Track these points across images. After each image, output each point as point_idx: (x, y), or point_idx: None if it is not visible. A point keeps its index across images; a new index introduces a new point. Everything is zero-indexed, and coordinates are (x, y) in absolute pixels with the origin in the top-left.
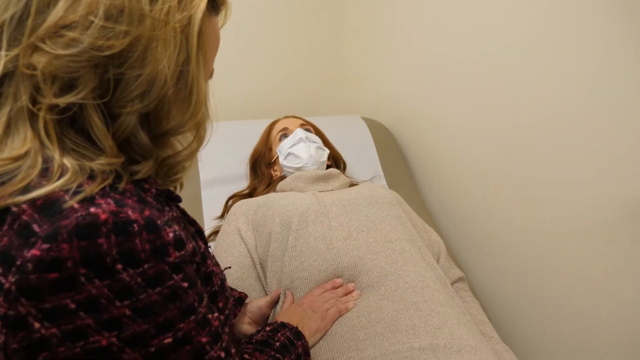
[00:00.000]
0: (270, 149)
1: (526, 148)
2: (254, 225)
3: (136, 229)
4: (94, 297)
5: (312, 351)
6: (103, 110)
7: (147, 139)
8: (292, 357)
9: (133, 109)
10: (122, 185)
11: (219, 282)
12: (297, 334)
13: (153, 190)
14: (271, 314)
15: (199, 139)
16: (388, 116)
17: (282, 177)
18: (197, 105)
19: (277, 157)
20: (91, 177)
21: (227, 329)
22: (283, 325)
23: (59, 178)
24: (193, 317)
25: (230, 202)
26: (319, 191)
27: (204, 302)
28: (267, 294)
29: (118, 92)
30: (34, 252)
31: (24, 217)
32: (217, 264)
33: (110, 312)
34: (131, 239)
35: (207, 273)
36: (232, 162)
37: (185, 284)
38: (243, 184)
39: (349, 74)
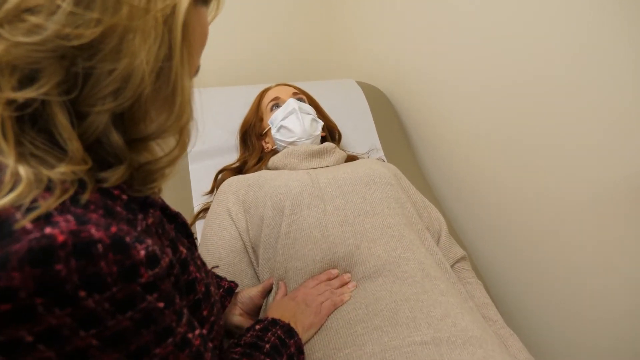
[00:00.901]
0: (262, 120)
1: (531, 112)
2: (245, 206)
3: (101, 249)
4: (55, 328)
5: (306, 347)
6: (69, 108)
7: (122, 141)
8: (283, 359)
9: (104, 108)
10: (85, 197)
11: (203, 289)
12: (289, 331)
13: (124, 197)
14: (263, 304)
15: (182, 144)
16: (384, 80)
17: (274, 151)
18: (180, 107)
19: (269, 128)
20: (48, 188)
21: (210, 345)
22: (274, 322)
23: (11, 191)
24: (171, 340)
25: (219, 176)
26: (313, 168)
27: (184, 320)
28: (259, 280)
29: (87, 88)
30: None
31: None
32: (201, 266)
33: (74, 344)
34: (95, 261)
35: (189, 281)
36: (221, 133)
37: (161, 304)
38: (233, 156)
39: (341, 34)
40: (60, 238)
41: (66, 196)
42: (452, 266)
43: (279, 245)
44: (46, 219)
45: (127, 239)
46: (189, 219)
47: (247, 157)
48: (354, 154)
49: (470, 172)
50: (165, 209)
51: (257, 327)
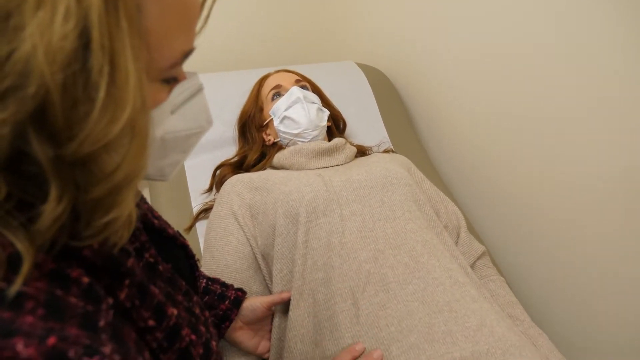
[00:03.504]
0: (262, 110)
1: (548, 93)
2: (252, 211)
3: None
4: None
5: None
6: None
7: (47, 155)
8: None
9: (4, 116)
10: (18, 282)
11: (200, 351)
12: None
13: (84, 279)
14: (276, 319)
15: (137, 148)
16: (386, 61)
17: (277, 144)
18: (118, 105)
19: (270, 120)
20: None
21: None
22: None
23: None
24: None
25: (218, 172)
26: (323, 167)
27: None
28: (269, 287)
29: None
30: None
31: None
32: (200, 315)
33: None
34: None
35: (183, 349)
36: (216, 124)
37: None
38: (231, 150)
39: (338, 13)
40: None
41: None
42: (473, 263)
43: (296, 256)
44: None
45: (71, 353)
46: (188, 220)
47: (247, 151)
48: (363, 145)
49: (479, 158)
50: (161, 231)
51: None
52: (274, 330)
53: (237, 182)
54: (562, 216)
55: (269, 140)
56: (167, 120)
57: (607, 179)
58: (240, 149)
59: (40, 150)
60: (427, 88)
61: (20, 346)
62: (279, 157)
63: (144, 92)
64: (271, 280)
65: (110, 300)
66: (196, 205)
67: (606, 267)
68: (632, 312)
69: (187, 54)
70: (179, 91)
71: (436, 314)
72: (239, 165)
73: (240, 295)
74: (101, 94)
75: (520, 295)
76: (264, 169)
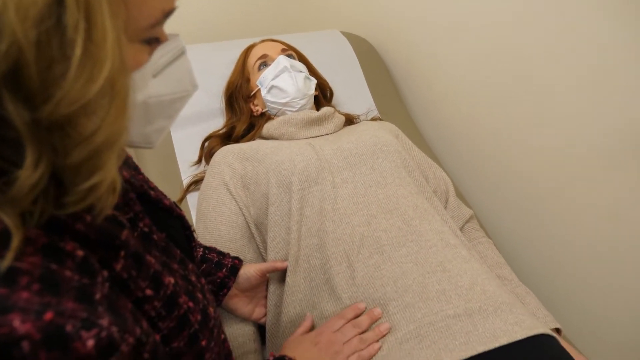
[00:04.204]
0: (248, 81)
1: (531, 58)
2: (244, 181)
3: (27, 349)
4: None
5: None
6: None
7: (23, 117)
8: None
9: None
10: (9, 257)
11: (199, 317)
12: None
13: (79, 253)
14: (271, 286)
15: (118, 108)
16: (370, 29)
17: (265, 115)
18: (96, 64)
19: (258, 90)
20: None
21: None
22: None
23: None
24: None
25: (206, 144)
26: (313, 136)
27: None
28: (263, 255)
29: None
30: None
31: None
32: (197, 283)
33: None
34: None
35: (181, 316)
36: (202, 96)
37: None
38: (218, 121)
39: None
40: None
41: None
42: (462, 227)
43: (291, 223)
44: None
45: (68, 327)
46: (178, 193)
47: (235, 122)
48: (351, 114)
49: (465, 124)
50: (157, 202)
51: None
52: (270, 296)
53: (227, 152)
54: (546, 180)
55: (257, 111)
56: (149, 84)
57: (591, 141)
58: (228, 120)
59: (15, 113)
60: (413, 56)
61: (17, 322)
62: (268, 128)
63: (123, 51)
64: (265, 249)
65: (105, 273)
66: (186, 177)
67: (589, 227)
68: (613, 270)
69: (168, 13)
70: (161, 54)
71: (430, 274)
72: (228, 137)
73: (237, 263)
74: (77, 51)
75: (506, 256)
76: (253, 140)
